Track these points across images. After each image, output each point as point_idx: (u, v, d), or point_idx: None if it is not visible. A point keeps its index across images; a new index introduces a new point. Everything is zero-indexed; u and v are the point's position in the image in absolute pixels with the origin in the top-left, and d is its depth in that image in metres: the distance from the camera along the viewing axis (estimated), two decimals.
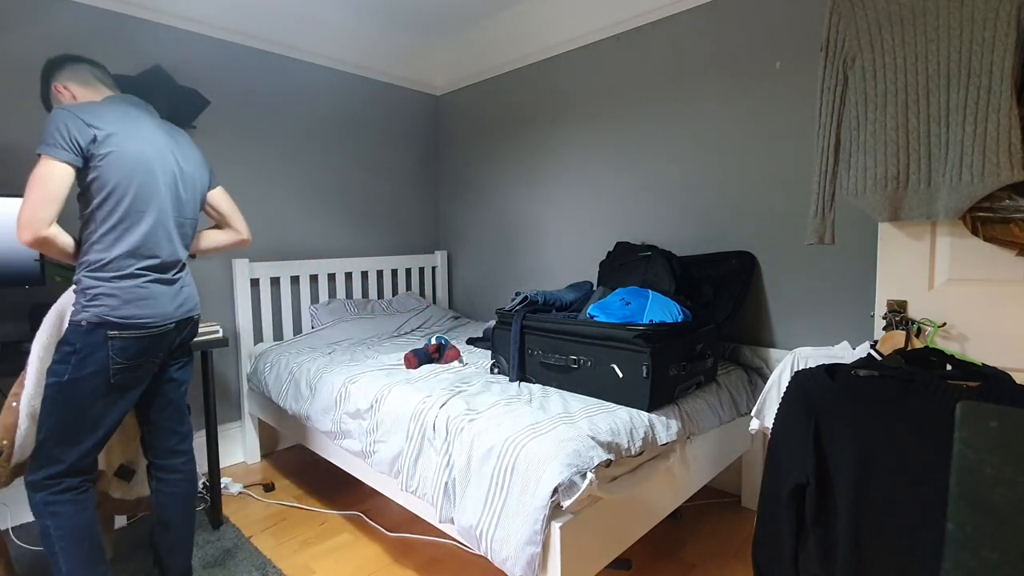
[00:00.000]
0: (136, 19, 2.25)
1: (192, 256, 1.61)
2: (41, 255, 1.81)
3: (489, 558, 1.32)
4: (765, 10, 2.05)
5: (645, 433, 1.48)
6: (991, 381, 1.02)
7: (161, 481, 1.58)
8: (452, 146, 3.44)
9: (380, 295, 3.16)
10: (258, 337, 2.66)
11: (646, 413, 1.54)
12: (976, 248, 1.32)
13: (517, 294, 1.95)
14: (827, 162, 1.43)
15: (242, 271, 2.54)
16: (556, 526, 1.23)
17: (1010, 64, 1.17)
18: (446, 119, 3.46)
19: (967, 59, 1.22)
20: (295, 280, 2.80)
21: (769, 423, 1.47)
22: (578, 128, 2.71)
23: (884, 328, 1.42)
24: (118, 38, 2.21)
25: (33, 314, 1.81)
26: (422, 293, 3.39)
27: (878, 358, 1.27)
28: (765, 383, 1.61)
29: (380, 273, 3.16)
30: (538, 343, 1.79)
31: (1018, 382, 1.03)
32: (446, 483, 1.46)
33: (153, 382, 1.52)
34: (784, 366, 1.50)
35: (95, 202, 1.32)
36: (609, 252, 2.44)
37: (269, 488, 2.33)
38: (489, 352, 2.26)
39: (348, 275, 3.03)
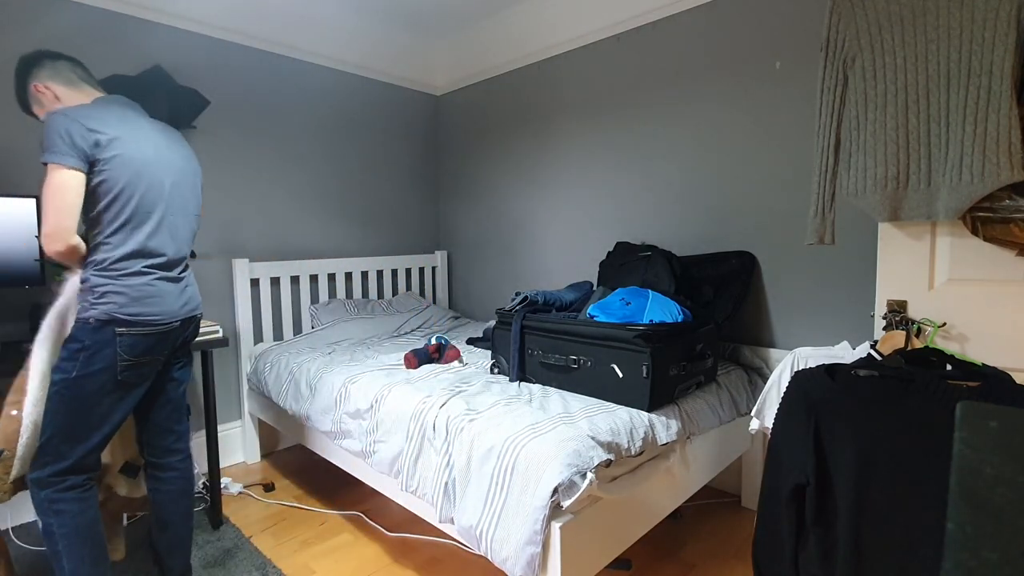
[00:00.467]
0: (136, 19, 2.25)
1: (192, 255, 1.61)
2: (41, 255, 1.81)
3: (489, 558, 1.32)
4: (765, 10, 2.05)
5: (645, 433, 1.48)
6: (991, 381, 1.02)
7: (158, 480, 1.59)
8: (452, 146, 3.44)
9: (380, 295, 3.16)
10: (258, 337, 2.66)
11: (646, 413, 1.54)
12: (976, 248, 1.32)
13: (517, 294, 1.95)
14: (827, 162, 1.43)
15: (242, 271, 2.54)
16: (556, 526, 1.23)
17: (1010, 64, 1.17)
18: (446, 119, 3.46)
19: (967, 59, 1.22)
20: (295, 280, 2.80)
21: (769, 423, 1.47)
22: (578, 128, 2.71)
23: (884, 328, 1.42)
24: (118, 38, 2.21)
25: (33, 314, 1.81)
26: (422, 293, 3.39)
27: (878, 358, 1.27)
28: (765, 383, 1.61)
29: (380, 273, 3.16)
30: (538, 343, 1.79)
31: (1018, 382, 1.03)
32: (446, 483, 1.46)
33: (156, 380, 1.54)
34: (784, 366, 1.50)
35: (102, 204, 1.33)
36: (609, 252, 2.44)
37: (269, 488, 2.33)
38: (489, 352, 2.26)
39: (348, 275, 3.03)
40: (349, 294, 3.03)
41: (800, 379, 1.12)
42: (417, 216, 3.42)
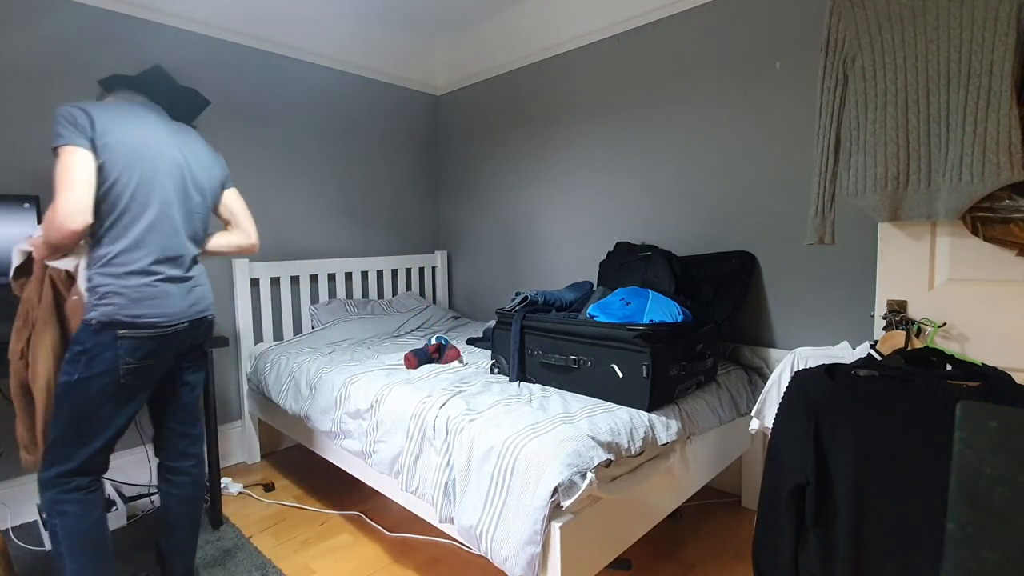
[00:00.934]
0: (136, 19, 2.25)
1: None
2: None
3: (489, 558, 1.32)
4: (765, 10, 2.05)
5: (645, 433, 1.48)
6: (991, 381, 1.02)
7: (169, 483, 1.58)
8: (452, 146, 3.44)
9: (380, 295, 3.16)
10: (258, 337, 2.66)
11: (646, 413, 1.54)
12: (976, 248, 1.32)
13: (517, 294, 1.95)
14: (827, 162, 1.43)
15: (242, 271, 2.54)
16: (556, 526, 1.23)
17: (1010, 64, 1.17)
18: (446, 119, 3.46)
19: (967, 59, 1.22)
20: (295, 280, 2.80)
21: (769, 423, 1.47)
22: (578, 128, 2.71)
23: (884, 328, 1.42)
24: (118, 38, 2.21)
25: None
26: (422, 293, 3.39)
27: (878, 358, 1.27)
28: (765, 383, 1.61)
29: (380, 273, 3.16)
30: (538, 343, 1.79)
31: (1018, 382, 1.03)
32: (446, 483, 1.46)
33: (167, 384, 1.52)
34: (784, 366, 1.50)
35: (101, 191, 1.31)
36: (609, 252, 2.44)
37: (269, 488, 2.33)
38: (489, 352, 2.26)
39: (348, 275, 3.03)
40: (349, 294, 3.03)
41: (800, 379, 1.12)
42: (417, 216, 3.42)
